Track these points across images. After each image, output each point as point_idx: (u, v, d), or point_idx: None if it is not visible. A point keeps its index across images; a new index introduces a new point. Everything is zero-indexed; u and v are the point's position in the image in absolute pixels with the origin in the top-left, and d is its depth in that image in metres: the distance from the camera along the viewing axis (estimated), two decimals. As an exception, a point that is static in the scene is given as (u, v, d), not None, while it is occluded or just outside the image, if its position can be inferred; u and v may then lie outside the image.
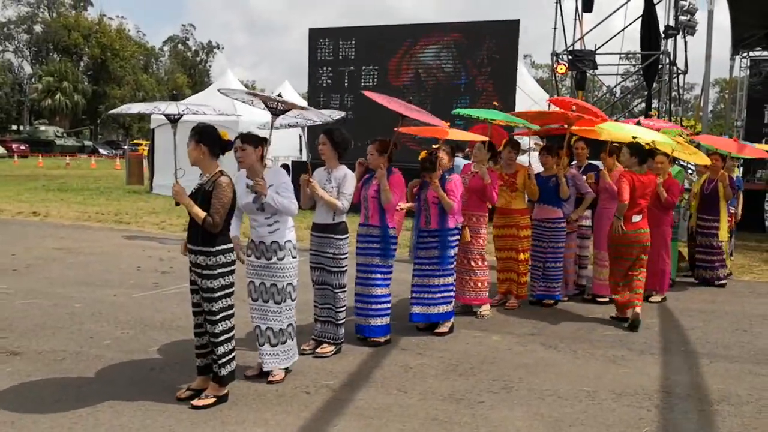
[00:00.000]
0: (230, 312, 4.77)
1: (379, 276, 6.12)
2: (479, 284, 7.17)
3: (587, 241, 8.42)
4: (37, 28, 70.50)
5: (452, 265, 6.67)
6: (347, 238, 5.82)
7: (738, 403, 4.89)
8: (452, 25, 16.77)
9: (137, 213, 16.05)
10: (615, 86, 21.52)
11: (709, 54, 14.20)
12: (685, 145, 8.07)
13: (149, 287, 8.39)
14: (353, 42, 17.43)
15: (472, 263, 7.12)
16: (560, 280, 7.94)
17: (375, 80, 17.13)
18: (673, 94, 15.41)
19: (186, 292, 7.94)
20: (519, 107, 14.76)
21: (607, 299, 7.96)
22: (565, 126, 7.79)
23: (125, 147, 59.10)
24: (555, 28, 16.32)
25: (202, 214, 4.58)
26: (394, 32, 17.25)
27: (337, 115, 6.53)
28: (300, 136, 21.59)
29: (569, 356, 5.94)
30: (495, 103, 9.36)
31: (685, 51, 15.84)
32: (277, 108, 5.30)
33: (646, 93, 16.63)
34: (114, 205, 17.92)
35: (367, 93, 6.28)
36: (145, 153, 32.73)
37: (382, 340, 6.15)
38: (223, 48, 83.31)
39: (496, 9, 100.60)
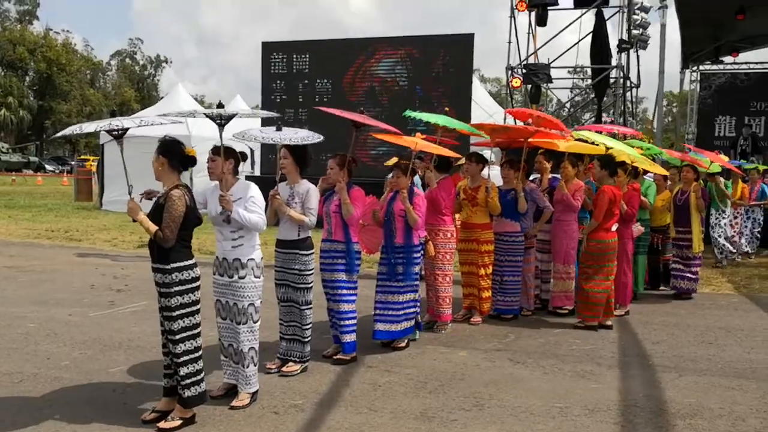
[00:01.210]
0: (194, 331, 4.60)
1: (345, 291, 6.02)
2: (444, 301, 7.12)
3: (548, 255, 8.43)
4: (-18, 42, 68.72)
5: (416, 282, 6.62)
6: (313, 253, 5.71)
7: (711, 417, 4.90)
8: (406, 39, 16.82)
9: (87, 230, 15.64)
10: (567, 101, 21.88)
11: (662, 68, 14.53)
12: (643, 157, 8.17)
13: (105, 306, 8.14)
14: (307, 56, 17.34)
15: (440, 278, 7.08)
16: (519, 293, 7.94)
17: (329, 94, 17.06)
18: (627, 107, 15.64)
19: (143, 310, 7.86)
20: (474, 120, 14.87)
21: (567, 311, 8.03)
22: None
23: (72, 163, 57.95)
24: (509, 42, 16.45)
25: (153, 228, 4.45)
26: (349, 46, 17.24)
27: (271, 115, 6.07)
28: (252, 151, 21.42)
29: (538, 372, 5.91)
30: (447, 108, 9.37)
31: (638, 65, 16.15)
32: (222, 118, 5.10)
33: (596, 107, 16.89)
34: (63, 222, 17.46)
35: (321, 108, 6.27)
36: (94, 169, 32.14)
37: (348, 357, 6.04)
38: (171, 62, 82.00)
39: (443, 24, 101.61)
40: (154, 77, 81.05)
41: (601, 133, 8.52)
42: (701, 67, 22.84)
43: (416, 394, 5.29)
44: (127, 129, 4.51)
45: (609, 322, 7.53)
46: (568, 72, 21.98)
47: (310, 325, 5.76)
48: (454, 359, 6.24)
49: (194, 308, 4.60)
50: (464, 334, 7.19)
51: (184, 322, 4.54)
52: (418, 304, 6.76)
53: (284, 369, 5.70)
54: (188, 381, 4.54)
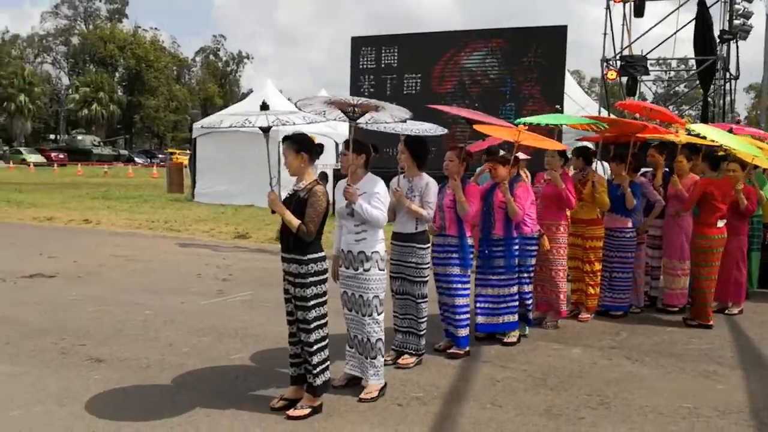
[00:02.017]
0: (324, 321, 4.68)
1: (459, 286, 6.00)
2: (560, 296, 7.02)
3: (658, 251, 8.21)
4: (74, 40, 71.72)
5: (516, 275, 6.53)
6: (429, 247, 5.72)
7: None
8: (497, 31, 16.57)
9: (184, 221, 16.10)
10: (669, 89, 21.20)
11: (767, 58, 13.96)
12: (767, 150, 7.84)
13: (214, 295, 8.36)
14: (396, 50, 17.32)
15: (561, 273, 6.99)
16: (628, 291, 7.75)
17: (418, 88, 16.97)
18: (728, 98, 15.12)
19: (251, 300, 8.04)
20: (567, 113, 14.63)
21: (677, 309, 7.82)
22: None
23: (160, 156, 59.89)
24: (605, 34, 16.07)
25: (296, 222, 4.52)
26: (438, 39, 17.10)
27: (406, 114, 6.14)
28: (336, 144, 21.65)
29: (658, 371, 5.76)
30: (557, 106, 9.22)
31: (737, 56, 15.56)
32: (354, 112, 5.13)
33: (698, 99, 16.34)
34: (160, 212, 18.01)
35: (436, 107, 6.21)
36: (184, 161, 33.09)
37: (462, 351, 6.03)
38: (252, 58, 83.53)
39: (520, 17, 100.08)
40: (236, 73, 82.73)
41: (731, 131, 8.20)
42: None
43: (537, 390, 5.23)
44: (270, 127, 4.59)
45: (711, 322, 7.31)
46: (658, 64, 21.33)
47: (426, 319, 5.76)
48: (569, 356, 6.15)
49: (325, 298, 4.68)
50: (574, 330, 7.06)
51: (317, 311, 4.62)
52: (528, 299, 6.70)
53: (400, 361, 5.72)
54: (319, 369, 4.62)
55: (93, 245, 12.18)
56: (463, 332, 6.02)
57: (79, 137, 59.23)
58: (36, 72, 69.02)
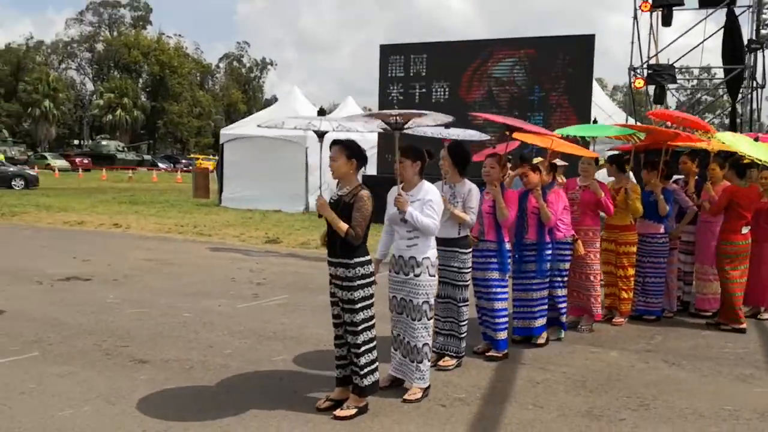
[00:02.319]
0: (371, 323, 4.78)
1: (499, 290, 6.10)
2: (593, 300, 7.09)
3: (690, 257, 8.27)
4: (99, 46, 72.67)
5: (548, 279, 6.62)
6: (471, 252, 5.81)
7: None
8: (525, 41, 16.67)
9: (213, 225, 16.30)
10: (696, 98, 21.19)
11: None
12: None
13: (249, 298, 8.50)
14: (424, 58, 17.46)
15: (592, 277, 7.07)
16: (661, 295, 7.80)
17: (446, 96, 17.10)
18: (754, 107, 15.12)
19: (287, 303, 8.17)
20: (593, 122, 14.70)
21: (710, 314, 7.87)
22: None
23: (183, 161, 60.44)
24: (632, 43, 16.15)
25: (344, 226, 4.61)
26: (466, 47, 17.22)
27: (447, 118, 6.19)
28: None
29: (696, 374, 5.82)
30: (594, 118, 9.29)
31: (763, 65, 15.52)
32: (397, 122, 5.25)
33: (721, 107, 16.31)
34: (188, 217, 18.23)
35: (475, 114, 6.36)
36: (209, 166, 33.41)
37: (500, 354, 6.12)
38: (276, 65, 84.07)
39: (545, 26, 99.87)
40: (260, 79, 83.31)
41: (757, 140, 8.23)
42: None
43: (577, 392, 5.31)
44: (326, 132, 4.86)
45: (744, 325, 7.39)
46: (680, 72, 21.30)
47: (466, 322, 5.86)
48: (606, 359, 6.21)
49: (372, 301, 4.79)
50: (609, 334, 7.13)
51: (364, 313, 4.72)
52: (562, 303, 6.79)
53: (440, 363, 5.82)
54: (366, 370, 4.72)
55: (125, 249, 12.38)
56: (502, 335, 6.12)
57: (104, 142, 59.96)
58: (60, 78, 69.96)
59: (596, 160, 7.51)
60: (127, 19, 75.45)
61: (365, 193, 4.72)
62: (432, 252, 5.09)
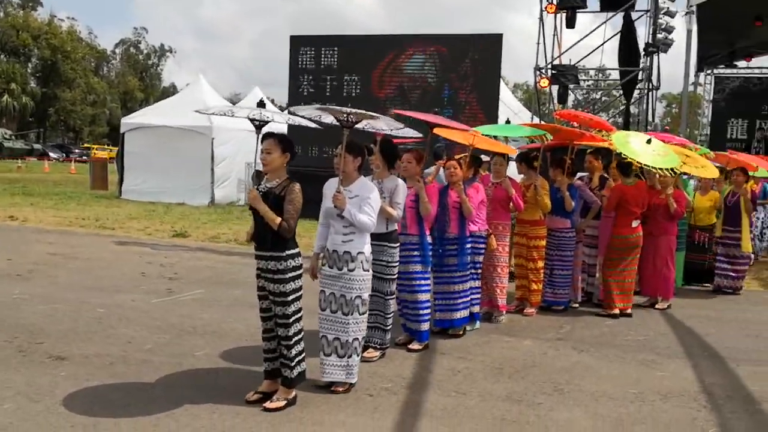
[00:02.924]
0: (300, 314, 4.86)
1: (421, 282, 6.29)
2: (498, 291, 7.39)
3: (595, 250, 8.72)
4: (-16, 27, 68.60)
5: (469, 272, 6.87)
6: (399, 246, 5.97)
7: (779, 402, 5.20)
8: (436, 37, 16.98)
9: (116, 219, 15.83)
10: (592, 97, 22.10)
11: (687, 71, 14.92)
12: (695, 159, 8.45)
13: (164, 293, 8.37)
14: (336, 50, 17.50)
15: (499, 269, 7.35)
16: (568, 287, 8.23)
17: (358, 90, 17.20)
18: (649, 108, 15.97)
19: (203, 298, 8.10)
20: (501, 119, 15.21)
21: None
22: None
23: (77, 150, 58.05)
24: (538, 44, 16.71)
25: (277, 219, 4.64)
26: (378, 42, 17.39)
27: (400, 125, 5.96)
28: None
29: (603, 360, 6.20)
30: (506, 120, 9.63)
31: (658, 68, 16.42)
32: (348, 120, 5.23)
33: (621, 108, 17.18)
34: (88, 210, 17.61)
35: (398, 111, 6.50)
36: (105, 156, 32.31)
37: (422, 346, 6.31)
38: (175, 52, 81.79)
39: (447, 22, 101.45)
40: (158, 67, 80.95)
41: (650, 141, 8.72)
42: (715, 71, 23.14)
43: (496, 379, 5.56)
44: (267, 121, 4.90)
45: (616, 310, 7.93)
46: (583, 72, 22.22)
47: (392, 315, 6.02)
48: (520, 348, 6.51)
49: (301, 293, 4.87)
50: (521, 324, 7.46)
51: (295, 306, 4.80)
52: (478, 294, 7.06)
53: (365, 355, 5.90)
54: (295, 362, 4.80)
55: (24, 243, 11.88)
56: (424, 327, 6.31)
57: (-12, 130, 56.83)
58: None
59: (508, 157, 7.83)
60: (15, 0, 71.71)
61: (297, 185, 4.76)
62: (367, 247, 5.18)
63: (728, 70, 22.97)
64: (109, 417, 4.54)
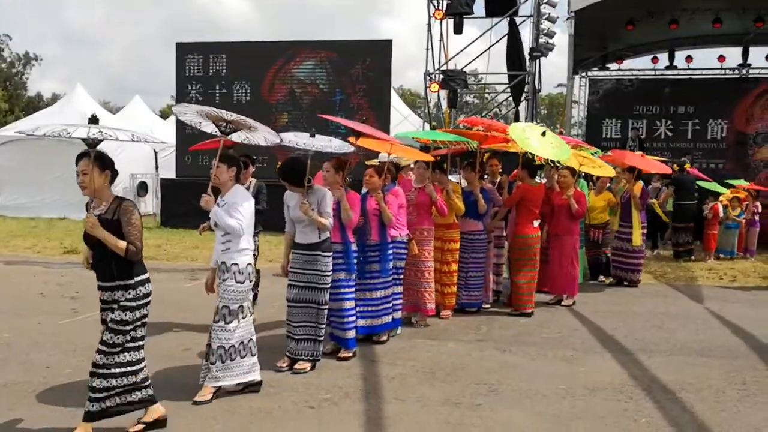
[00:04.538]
0: (141, 343, 4.54)
1: (346, 290, 6.32)
2: (427, 295, 7.50)
3: (502, 250, 9.03)
4: None
5: (391, 277, 6.97)
6: (331, 255, 5.97)
7: (694, 390, 5.55)
8: (326, 43, 17.07)
9: (-1, 237, 14.95)
10: (485, 105, 22.72)
11: (570, 75, 15.67)
12: (592, 159, 8.90)
13: (69, 314, 8.00)
14: (224, 57, 17.26)
15: (426, 274, 7.47)
16: (481, 288, 8.47)
17: (248, 96, 17.08)
18: (534, 111, 16.66)
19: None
20: (393, 124, 15.51)
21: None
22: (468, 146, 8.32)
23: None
24: (427, 49, 17.08)
25: (123, 244, 4.26)
26: (267, 48, 17.29)
27: (276, 138, 6.03)
28: (155, 153, 21.09)
29: (526, 359, 6.42)
30: (434, 124, 9.78)
31: (539, 71, 17.14)
32: (227, 128, 5.36)
33: (507, 111, 17.78)
34: (-37, 228, 16.53)
35: (324, 116, 6.57)
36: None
37: (351, 354, 6.33)
38: (41, 60, 77.64)
39: (322, 29, 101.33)
40: (23, 75, 76.62)
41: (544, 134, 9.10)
42: (589, 74, 24.33)
43: (431, 383, 5.66)
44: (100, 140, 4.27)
45: (530, 309, 8.27)
46: (474, 77, 22.88)
47: (325, 325, 6.03)
48: (445, 351, 6.65)
49: (146, 320, 4.54)
50: (440, 327, 7.61)
51: (134, 334, 4.46)
52: (399, 300, 7.16)
53: (296, 367, 5.90)
54: (103, 394, 4.43)
55: None
56: (351, 334, 6.35)
57: None
58: None
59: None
60: None
61: (129, 203, 4.41)
62: (243, 259, 5.18)
63: (601, 73, 24.21)
64: (45, 450, 4.31)
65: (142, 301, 4.43)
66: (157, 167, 21.22)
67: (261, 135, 5.59)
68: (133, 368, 4.49)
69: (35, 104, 65.10)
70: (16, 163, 19.53)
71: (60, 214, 18.88)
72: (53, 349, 6.48)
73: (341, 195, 6.19)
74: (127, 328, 4.39)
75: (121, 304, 4.36)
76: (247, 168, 7.20)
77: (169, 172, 18.63)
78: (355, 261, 6.44)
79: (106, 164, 4.37)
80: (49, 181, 18.96)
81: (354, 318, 6.41)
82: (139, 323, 4.46)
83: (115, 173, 4.43)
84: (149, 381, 4.61)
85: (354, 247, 6.41)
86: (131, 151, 20.23)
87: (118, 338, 4.39)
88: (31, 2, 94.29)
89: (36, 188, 19.28)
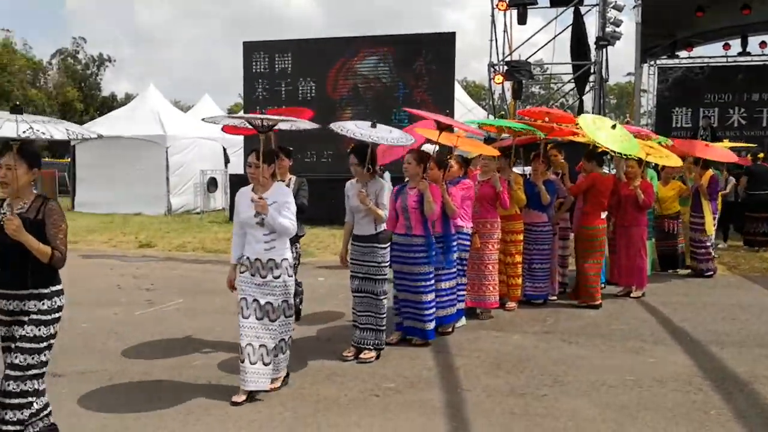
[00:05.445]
0: (46, 369, 4.09)
1: (427, 283, 6.35)
2: (491, 288, 7.50)
3: (568, 242, 8.94)
4: None
5: (455, 269, 6.96)
6: (389, 246, 6.04)
7: (766, 383, 5.42)
8: (389, 38, 17.11)
9: (77, 232, 15.46)
10: (552, 95, 22.51)
11: (638, 64, 15.38)
12: (658, 149, 8.73)
13: (144, 305, 8.29)
14: (289, 55, 17.50)
15: (490, 267, 7.46)
16: (547, 280, 8.40)
17: (313, 93, 17.24)
18: (602, 101, 16.37)
19: (186, 308, 8.03)
20: (457, 116, 15.42)
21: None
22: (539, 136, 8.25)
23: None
24: (491, 40, 16.96)
25: (47, 249, 3.88)
26: (331, 45, 17.42)
27: (308, 125, 6.23)
28: (224, 149, 21.54)
29: (594, 350, 6.36)
30: (502, 113, 9.79)
31: (606, 60, 16.82)
32: (263, 125, 5.45)
33: (572, 102, 17.55)
34: (44, 224, 17.20)
35: (408, 110, 6.70)
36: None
37: (429, 343, 6.41)
38: (114, 61, 79.91)
39: (386, 22, 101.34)
40: (97, 76, 79.15)
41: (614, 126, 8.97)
42: (658, 62, 23.77)
43: (495, 374, 5.67)
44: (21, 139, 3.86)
45: (598, 302, 8.15)
46: (541, 69, 22.63)
47: (385, 315, 6.09)
48: (511, 342, 6.64)
49: (55, 341, 4.13)
50: (505, 319, 7.59)
51: (47, 355, 4.04)
52: (463, 291, 7.17)
53: (361, 356, 6.00)
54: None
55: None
56: (431, 326, 6.41)
57: (-76, 147, 54.87)
58: None
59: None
60: (-56, 12, 69.58)
61: (55, 204, 4.04)
62: (289, 253, 5.22)
63: (671, 61, 23.61)
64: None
65: (57, 315, 4.04)
66: (226, 163, 21.71)
67: (288, 123, 5.74)
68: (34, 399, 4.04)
69: (109, 104, 66.98)
70: (93, 161, 20.29)
71: (134, 209, 19.53)
72: (129, 339, 6.73)
73: (425, 187, 6.17)
74: (41, 345, 3.96)
75: (33, 317, 3.93)
76: (283, 161, 6.60)
77: (238, 168, 19.03)
78: (435, 254, 6.44)
79: (33, 162, 4.00)
80: (124, 179, 19.63)
81: (434, 310, 6.45)
82: (52, 341, 4.04)
83: (34, 164, 4.04)
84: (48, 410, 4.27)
85: (434, 240, 6.42)
86: (202, 148, 20.82)
87: (33, 358, 3.94)
88: (102, 4, 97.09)
89: (112, 185, 19.93)
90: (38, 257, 3.84)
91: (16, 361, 3.89)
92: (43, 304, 3.94)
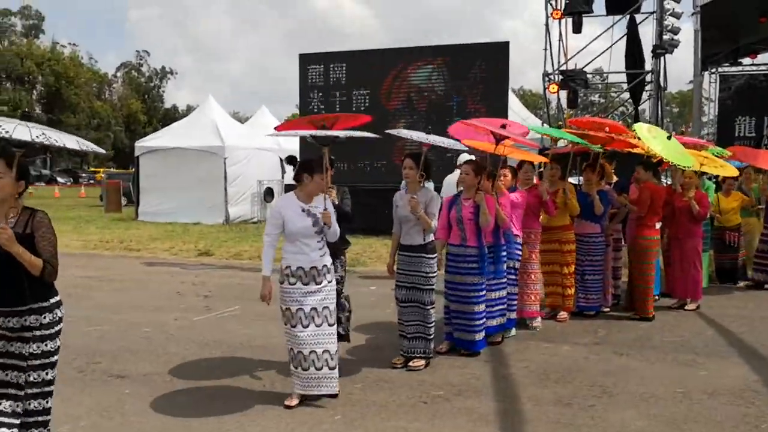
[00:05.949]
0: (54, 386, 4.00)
1: (479, 294, 6.44)
2: (533, 297, 7.54)
3: (620, 253, 8.89)
4: (-11, 57, 69.13)
5: (504, 278, 7.00)
6: (436, 257, 6.14)
7: (824, 397, 5.34)
8: (442, 48, 17.22)
9: (140, 240, 16.04)
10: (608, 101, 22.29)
11: (697, 72, 15.16)
12: (713, 159, 8.62)
13: (203, 311, 8.56)
14: (344, 66, 17.76)
15: (533, 276, 7.50)
16: (600, 292, 8.36)
17: (367, 104, 17.44)
18: (659, 110, 16.17)
19: (242, 314, 8.26)
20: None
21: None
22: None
23: (84, 175, 58.39)
24: (545, 49, 16.94)
25: (39, 262, 3.70)
26: (384, 56, 17.63)
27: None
28: (280, 159, 21.91)
29: (645, 362, 6.34)
30: (560, 123, 9.82)
31: (664, 68, 16.59)
32: (327, 138, 5.61)
33: (630, 111, 17.38)
34: (108, 233, 17.83)
35: (464, 122, 6.93)
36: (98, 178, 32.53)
37: (477, 353, 6.48)
38: (176, 73, 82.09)
39: (441, 30, 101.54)
40: (160, 88, 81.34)
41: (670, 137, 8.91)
42: (720, 69, 23.30)
43: (543, 384, 5.71)
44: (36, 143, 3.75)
45: (652, 314, 8.08)
46: (598, 77, 22.41)
47: (434, 324, 6.18)
48: (560, 353, 6.66)
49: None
50: (556, 330, 7.60)
51: (55, 370, 3.96)
52: (514, 301, 7.21)
53: (411, 364, 6.11)
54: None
55: (55, 267, 12.07)
56: (480, 336, 6.49)
57: (-3, 158, 56.94)
58: (-52, 91, 66.28)
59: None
60: (18, 28, 72.37)
61: (44, 215, 3.86)
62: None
63: (733, 68, 23.12)
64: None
65: (59, 327, 3.94)
66: (283, 173, 22.10)
67: (358, 132, 5.90)
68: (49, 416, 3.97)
69: (171, 116, 68.74)
70: (155, 171, 20.95)
71: (194, 219, 20.04)
72: (188, 343, 6.98)
73: (480, 199, 6.29)
74: (54, 360, 3.91)
75: (37, 334, 3.83)
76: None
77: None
78: (488, 266, 6.52)
79: (22, 173, 3.78)
80: (184, 189, 20.18)
81: (483, 321, 6.53)
82: (58, 355, 3.96)
83: (28, 184, 3.91)
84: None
85: (487, 251, 6.50)
86: (259, 158, 21.26)
87: (47, 373, 3.89)
88: (164, 19, 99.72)
89: (173, 195, 20.52)
90: (30, 270, 3.70)
91: (31, 379, 3.83)
92: (45, 317, 3.84)
